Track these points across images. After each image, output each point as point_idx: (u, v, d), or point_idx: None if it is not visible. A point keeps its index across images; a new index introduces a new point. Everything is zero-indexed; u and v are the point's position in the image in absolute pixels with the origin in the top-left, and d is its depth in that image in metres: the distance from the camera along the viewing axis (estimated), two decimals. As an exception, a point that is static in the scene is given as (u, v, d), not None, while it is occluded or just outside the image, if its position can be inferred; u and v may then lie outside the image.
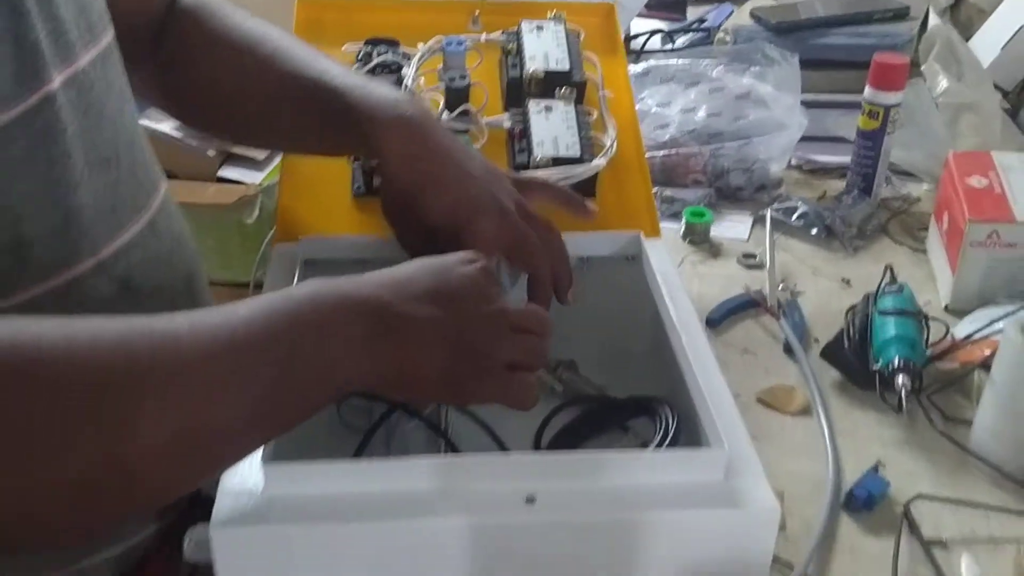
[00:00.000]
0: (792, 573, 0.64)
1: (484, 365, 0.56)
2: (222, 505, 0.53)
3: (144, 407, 0.45)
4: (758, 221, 1.08)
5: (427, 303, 0.54)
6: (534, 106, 0.85)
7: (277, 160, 2.50)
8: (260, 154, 2.60)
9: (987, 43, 1.35)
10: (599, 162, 0.82)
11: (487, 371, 0.56)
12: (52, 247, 0.54)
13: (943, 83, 1.14)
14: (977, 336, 0.84)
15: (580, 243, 0.77)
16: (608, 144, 0.84)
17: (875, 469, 0.72)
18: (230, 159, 2.17)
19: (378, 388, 0.54)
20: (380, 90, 0.69)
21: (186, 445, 0.47)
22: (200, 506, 0.58)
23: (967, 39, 1.34)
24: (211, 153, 2.15)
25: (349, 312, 0.52)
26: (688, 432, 0.65)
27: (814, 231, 1.05)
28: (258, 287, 0.78)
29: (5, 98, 0.52)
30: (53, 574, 0.58)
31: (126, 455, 0.45)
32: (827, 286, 0.98)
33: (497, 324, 0.57)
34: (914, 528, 0.68)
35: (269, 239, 0.80)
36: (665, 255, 0.77)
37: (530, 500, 0.54)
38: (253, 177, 2.16)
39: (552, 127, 0.84)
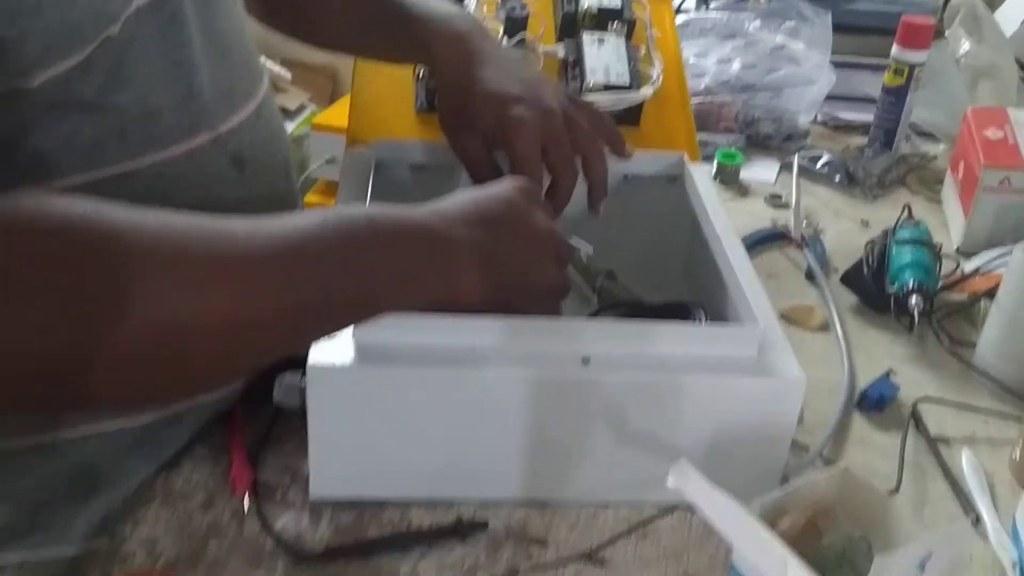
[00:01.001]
0: (808, 454, 0.71)
1: (522, 285, 0.62)
2: (317, 348, 0.60)
3: (195, 294, 0.50)
4: (785, 168, 1.15)
5: (469, 226, 0.60)
6: (588, 37, 0.91)
7: (307, 112, 2.57)
8: (291, 104, 2.66)
9: (1008, 19, 1.42)
10: (646, 91, 0.89)
11: (528, 291, 0.62)
12: (176, 119, 0.61)
13: (965, 45, 1.21)
14: (985, 269, 0.91)
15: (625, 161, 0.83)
16: (655, 76, 0.91)
17: (887, 375, 0.79)
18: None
19: (423, 308, 0.59)
20: (440, 6, 0.77)
21: (230, 334, 0.52)
22: (284, 362, 0.66)
23: (989, 14, 1.40)
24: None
25: (400, 236, 0.58)
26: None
27: (837, 178, 1.12)
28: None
29: None
30: (145, 415, 0.64)
31: (176, 333, 0.49)
32: (847, 226, 1.05)
33: (533, 247, 0.62)
34: (920, 426, 0.75)
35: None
36: (706, 177, 0.84)
37: (585, 361, 0.62)
38: (283, 126, 2.20)
39: (604, 57, 0.90)
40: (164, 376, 0.52)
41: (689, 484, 0.53)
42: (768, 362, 0.63)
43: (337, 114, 2.26)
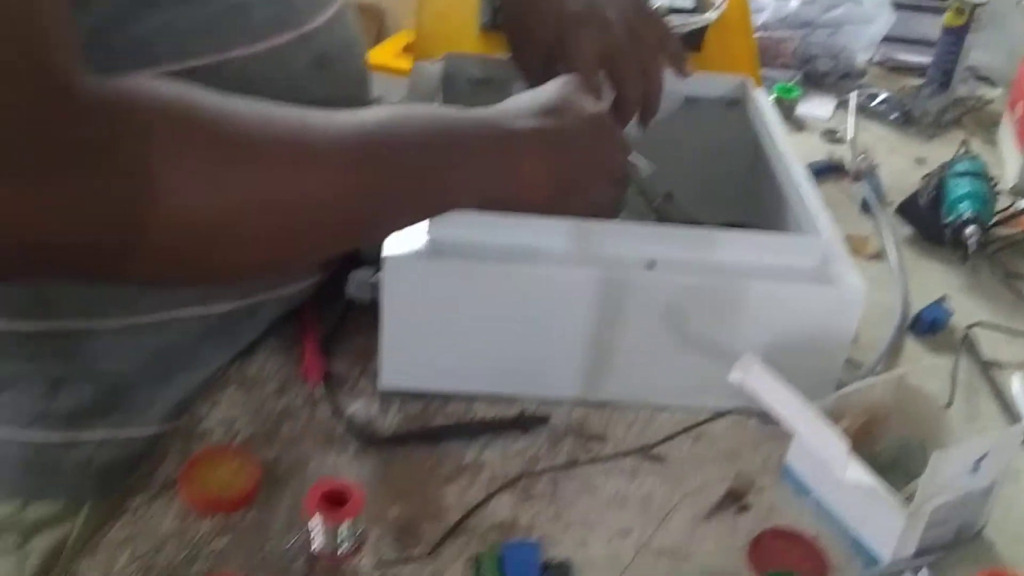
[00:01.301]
0: (861, 370, 0.73)
1: (585, 168, 0.64)
2: (392, 241, 0.62)
3: (276, 176, 0.52)
4: (841, 105, 1.15)
5: (528, 118, 0.63)
6: (653, -40, 0.92)
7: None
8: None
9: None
10: (710, 15, 0.90)
11: (593, 172, 0.64)
12: (263, 15, 0.62)
13: (1029, -14, 1.19)
14: (1041, 205, 0.91)
15: (688, 82, 0.84)
16: (718, 1, 0.91)
17: (940, 300, 0.80)
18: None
19: (487, 204, 0.61)
20: None
21: (305, 217, 0.54)
22: (356, 260, 0.68)
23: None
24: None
25: (465, 129, 0.61)
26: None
27: (893, 116, 1.12)
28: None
29: None
30: (224, 303, 0.67)
31: (259, 212, 0.52)
32: (902, 163, 1.05)
33: (592, 130, 0.64)
34: (973, 349, 0.77)
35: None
36: (768, 102, 0.84)
37: (651, 265, 0.63)
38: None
39: (669, -20, 0.91)
40: (245, 254, 0.54)
41: (754, 376, 0.55)
42: (829, 272, 0.64)
43: (383, 53, 2.26)
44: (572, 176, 0.63)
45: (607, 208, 0.66)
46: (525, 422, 0.65)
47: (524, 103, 0.65)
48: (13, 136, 0.45)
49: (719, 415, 0.66)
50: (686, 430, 0.65)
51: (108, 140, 0.48)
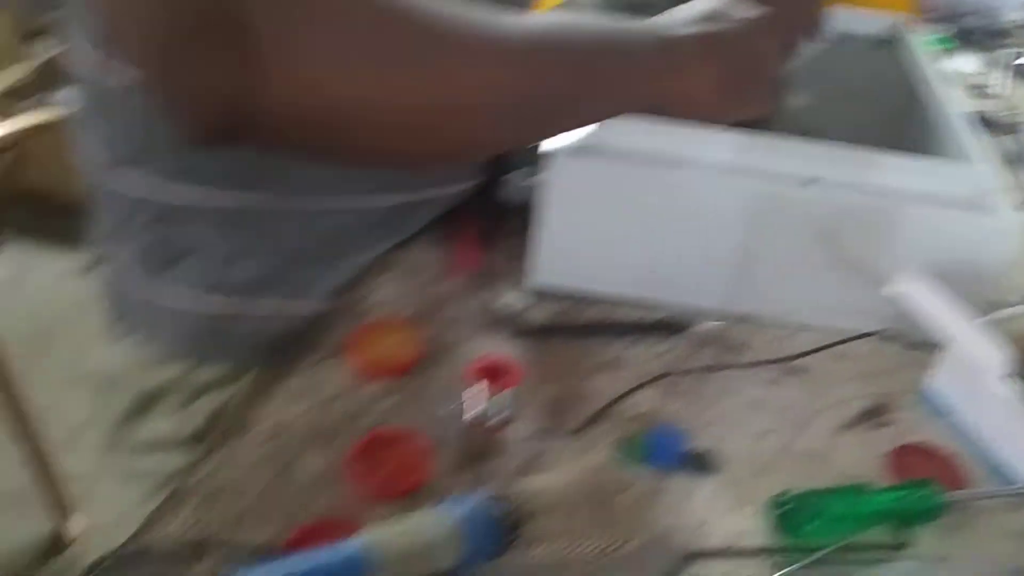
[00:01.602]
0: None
1: (747, 70, 0.65)
2: (555, 140, 0.64)
3: (445, 69, 0.55)
4: (989, 62, 1.13)
5: (690, 24, 0.64)
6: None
7: None
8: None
9: None
10: (870, -45, 0.89)
11: (755, 73, 0.66)
12: None
13: None
14: None
15: (841, 18, 0.84)
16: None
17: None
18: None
19: (652, 109, 0.63)
20: None
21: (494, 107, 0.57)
22: (509, 166, 0.71)
23: None
24: None
25: (628, 39, 0.62)
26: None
27: (1043, 76, 1.10)
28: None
29: None
30: (394, 196, 0.71)
31: (445, 107, 0.55)
32: (1051, 121, 1.04)
33: (753, 31, 0.66)
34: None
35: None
36: (922, 42, 0.84)
37: (810, 182, 0.64)
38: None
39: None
40: (434, 141, 0.58)
41: (914, 287, 0.56)
42: (987, 201, 0.64)
43: None
44: (735, 77, 0.64)
45: (768, 108, 0.67)
46: (669, 326, 0.67)
47: (683, 13, 0.66)
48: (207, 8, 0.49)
49: (862, 335, 0.67)
50: (828, 346, 0.66)
51: (285, 25, 0.51)
